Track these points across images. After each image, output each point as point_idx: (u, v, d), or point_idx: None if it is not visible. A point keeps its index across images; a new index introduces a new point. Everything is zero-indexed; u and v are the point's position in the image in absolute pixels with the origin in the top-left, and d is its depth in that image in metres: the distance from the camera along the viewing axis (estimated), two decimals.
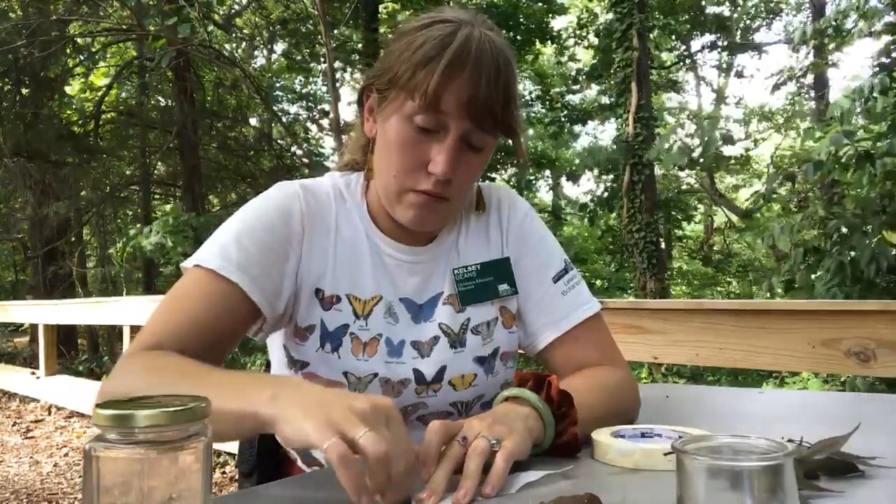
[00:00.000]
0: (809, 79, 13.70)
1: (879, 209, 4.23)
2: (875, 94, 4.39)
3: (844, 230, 4.22)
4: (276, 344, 1.03)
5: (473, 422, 0.76)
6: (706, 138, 7.15)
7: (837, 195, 4.91)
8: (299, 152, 12.13)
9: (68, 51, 10.13)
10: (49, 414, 6.31)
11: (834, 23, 5.49)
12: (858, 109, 4.50)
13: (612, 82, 12.56)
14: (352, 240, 0.99)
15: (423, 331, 0.99)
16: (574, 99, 17.44)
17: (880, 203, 4.30)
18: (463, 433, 0.73)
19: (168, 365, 0.80)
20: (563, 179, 18.45)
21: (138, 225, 7.97)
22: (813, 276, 4.37)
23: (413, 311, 1.00)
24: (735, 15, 15.85)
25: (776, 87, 13.08)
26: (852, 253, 4.05)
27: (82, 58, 10.87)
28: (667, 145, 7.16)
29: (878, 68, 4.80)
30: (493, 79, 0.88)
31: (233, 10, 11.30)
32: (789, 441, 0.64)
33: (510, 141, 0.98)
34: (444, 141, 0.89)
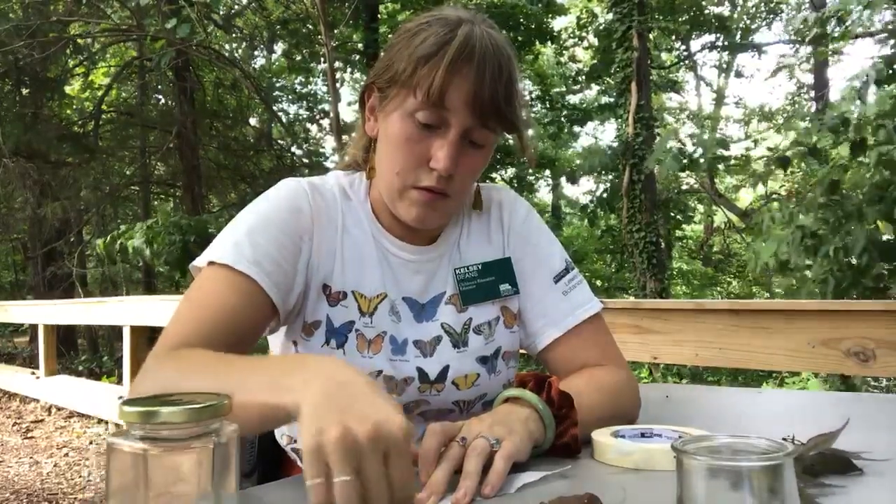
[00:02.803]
0: (809, 79, 13.71)
1: (877, 198, 4.22)
2: (872, 86, 4.39)
3: (841, 217, 4.22)
4: (277, 342, 1.03)
5: (473, 423, 0.76)
6: (705, 141, 7.14)
7: (838, 187, 4.90)
8: (299, 152, 12.14)
9: (68, 51, 10.13)
10: (49, 414, 6.31)
11: (836, 13, 5.48)
12: (856, 106, 4.50)
13: (611, 82, 12.57)
14: (358, 237, 0.99)
15: (425, 330, 0.99)
16: (574, 99, 17.45)
17: (879, 192, 4.29)
18: (462, 434, 0.73)
19: (195, 362, 0.79)
20: (563, 179, 18.47)
21: (138, 223, 7.96)
22: (807, 261, 4.36)
23: (415, 310, 1.00)
24: (735, 15, 15.86)
25: (775, 72, 13.13)
26: (848, 239, 4.05)
27: (82, 58, 10.87)
28: (664, 149, 7.13)
29: (878, 60, 4.80)
30: (497, 75, 0.88)
31: (233, 11, 11.30)
32: (783, 439, 0.64)
33: (511, 140, 0.99)
34: (446, 136, 0.89)
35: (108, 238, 7.66)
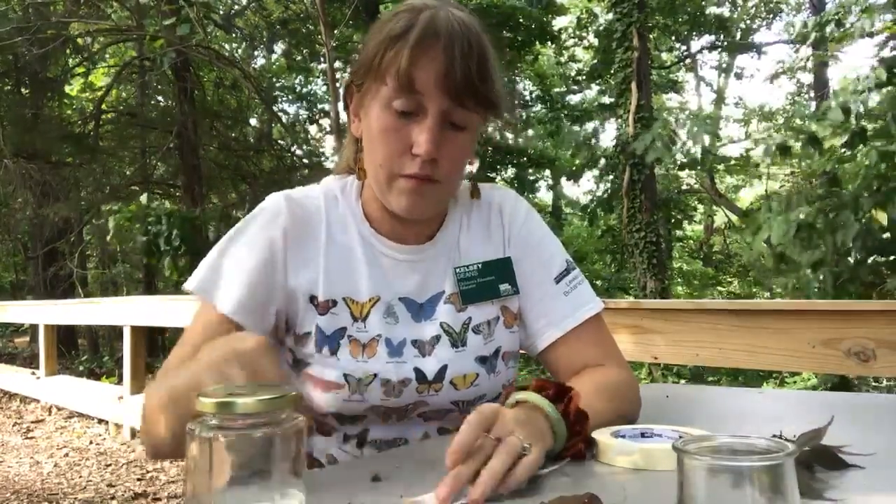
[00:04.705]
0: (809, 78, 13.71)
1: (874, 189, 4.21)
2: (871, 88, 4.40)
3: (838, 208, 4.22)
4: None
5: (508, 418, 0.73)
6: (695, 129, 7.12)
7: (837, 178, 4.88)
8: (299, 152, 12.14)
9: (68, 51, 10.13)
10: (49, 414, 6.31)
11: (835, 16, 5.48)
12: (854, 104, 4.49)
13: (612, 82, 12.57)
14: (345, 244, 0.99)
15: (424, 330, 0.99)
16: (574, 99, 17.46)
17: (876, 185, 4.28)
18: (497, 433, 0.71)
19: (160, 377, 0.86)
20: (564, 179, 18.48)
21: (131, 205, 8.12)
22: (800, 257, 4.35)
23: (413, 309, 1.00)
24: (735, 15, 15.86)
25: (775, 76, 13.14)
26: (843, 232, 4.05)
27: (82, 58, 10.87)
28: (656, 133, 7.11)
29: (877, 62, 4.80)
30: (467, 53, 0.88)
31: (233, 11, 11.30)
32: (773, 437, 0.64)
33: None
34: (425, 121, 0.90)
35: (108, 211, 7.88)
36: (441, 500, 0.63)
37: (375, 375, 0.95)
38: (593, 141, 12.35)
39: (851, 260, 3.99)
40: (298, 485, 0.53)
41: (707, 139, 7.12)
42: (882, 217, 4.12)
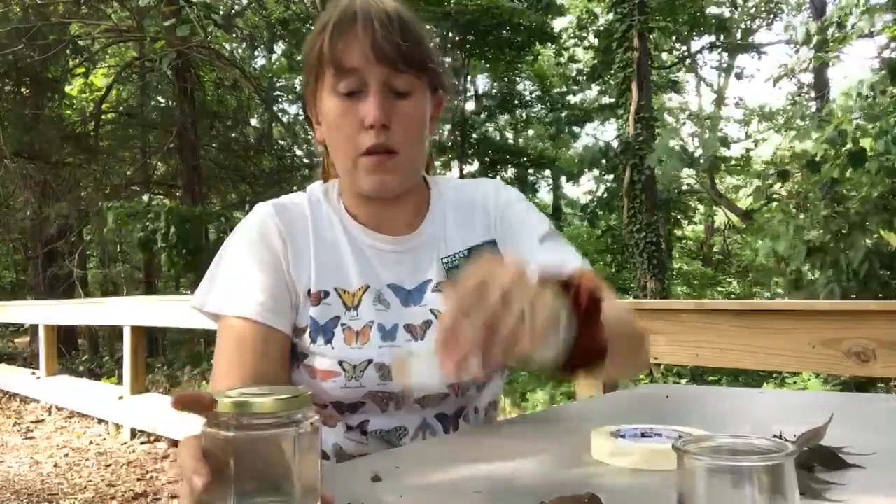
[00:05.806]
0: (810, 78, 13.70)
1: (881, 207, 4.23)
2: (874, 92, 4.41)
3: (845, 230, 4.23)
4: None
5: (502, 274, 0.66)
6: (705, 138, 7.16)
7: (838, 193, 4.90)
8: (299, 152, 12.14)
9: (68, 51, 10.14)
10: (49, 414, 6.32)
11: (836, 19, 5.50)
12: (856, 109, 4.50)
13: (612, 83, 12.57)
14: (331, 239, 1.03)
15: (415, 314, 1.01)
16: (574, 99, 17.46)
17: (881, 201, 4.30)
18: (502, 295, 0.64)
19: None
20: (564, 179, 18.48)
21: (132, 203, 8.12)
22: (814, 276, 4.37)
23: (402, 295, 1.02)
24: (735, 15, 15.87)
25: (777, 79, 13.17)
26: (850, 252, 4.07)
27: (82, 58, 10.88)
28: (666, 148, 7.18)
29: (878, 64, 4.81)
30: (387, 22, 0.93)
31: (233, 11, 11.30)
32: (773, 437, 0.64)
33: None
34: (369, 94, 0.94)
35: (108, 208, 7.91)
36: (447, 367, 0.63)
37: (370, 361, 0.97)
38: (610, 153, 12.19)
39: (861, 273, 3.99)
40: (315, 483, 0.54)
41: (718, 148, 7.18)
42: (892, 238, 4.14)
